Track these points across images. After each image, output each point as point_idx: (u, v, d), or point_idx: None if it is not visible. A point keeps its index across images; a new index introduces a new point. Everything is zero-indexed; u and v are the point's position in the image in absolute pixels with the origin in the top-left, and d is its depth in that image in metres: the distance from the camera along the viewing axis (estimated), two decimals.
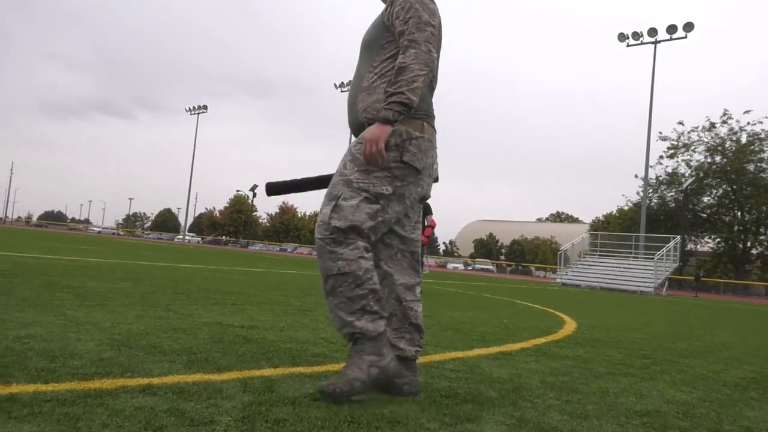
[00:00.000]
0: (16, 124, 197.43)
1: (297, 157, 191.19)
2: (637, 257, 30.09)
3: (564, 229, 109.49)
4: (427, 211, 9.32)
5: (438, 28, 2.10)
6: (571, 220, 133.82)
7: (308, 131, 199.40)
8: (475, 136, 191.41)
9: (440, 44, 2.18)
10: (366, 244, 1.99)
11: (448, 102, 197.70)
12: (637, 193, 45.72)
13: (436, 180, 2.24)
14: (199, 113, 59.14)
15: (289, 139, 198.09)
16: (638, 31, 32.39)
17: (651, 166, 33.83)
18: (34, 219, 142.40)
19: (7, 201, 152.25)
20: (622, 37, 32.84)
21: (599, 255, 31.32)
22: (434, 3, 2.14)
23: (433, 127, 2.15)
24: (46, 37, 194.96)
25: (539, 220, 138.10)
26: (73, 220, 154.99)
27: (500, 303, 8.47)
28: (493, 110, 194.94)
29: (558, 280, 29.39)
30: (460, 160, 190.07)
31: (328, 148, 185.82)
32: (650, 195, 45.02)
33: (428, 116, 2.12)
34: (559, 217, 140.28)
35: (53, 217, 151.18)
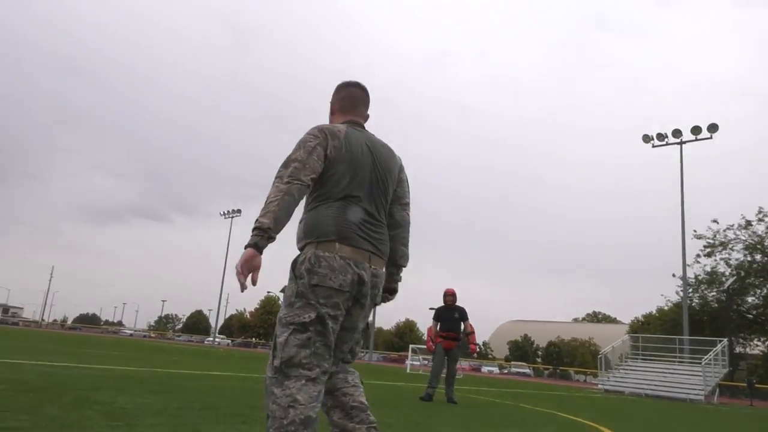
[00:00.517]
0: (58, 229, 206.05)
1: None
2: (682, 361, 28.59)
3: (602, 330, 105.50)
4: (464, 316, 9.13)
5: (311, 151, 2.18)
6: (609, 320, 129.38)
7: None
8: (504, 234, 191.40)
9: (343, 157, 2.24)
10: (309, 373, 2.05)
11: (473, 202, 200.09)
12: (677, 293, 44.24)
13: (390, 291, 2.49)
14: (233, 217, 60.84)
15: None
16: (663, 132, 32.82)
17: (689, 265, 32.89)
18: (69, 322, 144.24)
19: (44, 305, 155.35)
20: (646, 138, 33.25)
21: (642, 359, 29.87)
22: (326, 125, 2.30)
23: (355, 246, 2.17)
24: (91, 148, 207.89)
25: (575, 320, 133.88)
26: (106, 322, 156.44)
27: (541, 416, 8.00)
28: (521, 208, 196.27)
29: (600, 386, 27.92)
30: (490, 259, 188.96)
31: None
32: (690, 295, 43.50)
33: (343, 237, 2.17)
34: (596, 317, 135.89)
35: (88, 320, 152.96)
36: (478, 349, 8.80)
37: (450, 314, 9.10)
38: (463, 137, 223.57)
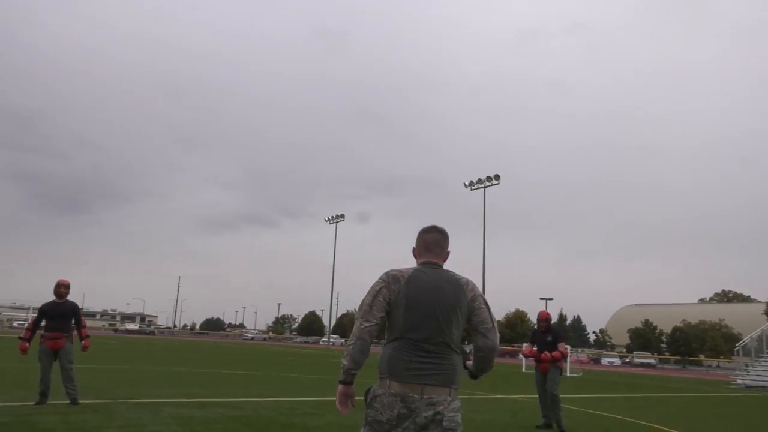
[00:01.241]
0: (180, 241, 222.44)
1: None
2: None
3: (734, 310, 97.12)
4: (557, 338, 8.62)
5: (376, 294, 2.64)
6: (742, 299, 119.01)
7: (438, 222, 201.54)
8: (614, 213, 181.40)
9: (400, 301, 2.63)
10: None
11: (577, 178, 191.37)
12: None
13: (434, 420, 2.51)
14: (337, 222, 62.42)
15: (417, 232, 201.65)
16: None
17: None
18: (197, 327, 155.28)
19: (175, 312, 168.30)
20: None
21: None
22: (393, 271, 2.72)
23: (403, 382, 2.51)
24: (202, 163, 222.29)
25: (702, 300, 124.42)
26: (230, 325, 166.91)
27: None
28: (631, 183, 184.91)
29: (739, 381, 25.63)
30: (600, 238, 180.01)
31: (458, 238, 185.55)
32: None
33: (392, 374, 2.54)
34: (726, 296, 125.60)
35: (213, 324, 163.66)
36: (548, 367, 8.52)
37: (543, 337, 8.69)
38: (559, 116, 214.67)
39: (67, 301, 8.38)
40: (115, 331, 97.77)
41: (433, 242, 2.82)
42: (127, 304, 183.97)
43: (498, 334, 2.69)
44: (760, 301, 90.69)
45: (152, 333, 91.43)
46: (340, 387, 2.67)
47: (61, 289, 8.34)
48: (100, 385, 10.81)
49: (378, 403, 2.55)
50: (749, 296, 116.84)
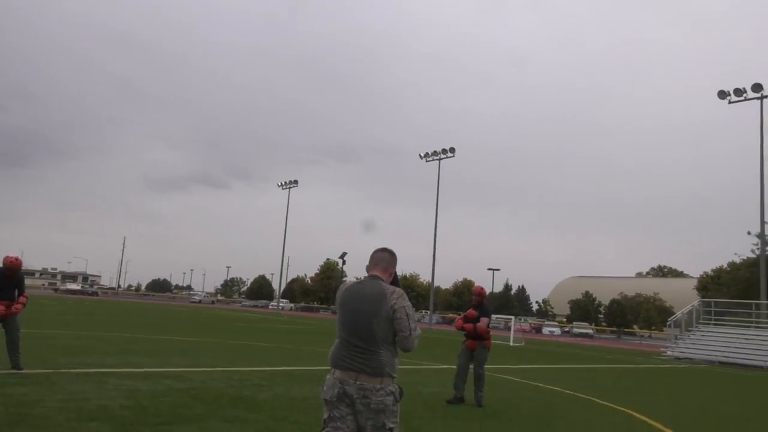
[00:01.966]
0: (126, 200, 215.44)
1: (382, 217, 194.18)
2: (759, 326, 27.33)
3: (668, 285, 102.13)
4: (484, 312, 8.42)
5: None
6: (676, 274, 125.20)
7: (391, 193, 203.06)
8: (563, 188, 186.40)
9: (337, 308, 3.32)
10: None
11: (527, 153, 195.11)
12: (752, 251, 42.09)
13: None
14: (290, 187, 61.69)
15: (373, 202, 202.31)
16: (741, 87, 30.59)
17: (766, 222, 31.03)
18: (143, 288, 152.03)
19: (120, 272, 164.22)
20: (722, 94, 31.09)
21: (715, 324, 28.74)
22: (342, 285, 3.43)
23: (342, 370, 3.11)
24: (150, 120, 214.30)
25: (639, 275, 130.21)
26: (177, 287, 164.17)
27: (616, 423, 7.73)
28: (580, 160, 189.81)
29: (669, 353, 27.12)
30: (549, 214, 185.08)
31: (408, 208, 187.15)
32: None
33: (334, 365, 3.16)
34: (661, 271, 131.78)
35: (159, 286, 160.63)
36: (490, 345, 8.60)
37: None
38: (518, 89, 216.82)
39: (16, 274, 8.30)
40: (56, 290, 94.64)
41: (378, 259, 3.39)
42: (69, 262, 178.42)
43: (415, 339, 3.21)
44: (692, 277, 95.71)
45: (95, 294, 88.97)
46: None
47: (12, 270, 8.20)
48: (41, 353, 10.46)
49: (325, 384, 3.16)
50: (683, 272, 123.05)
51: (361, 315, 3.18)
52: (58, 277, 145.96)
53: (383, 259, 3.39)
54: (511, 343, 29.26)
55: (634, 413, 8.62)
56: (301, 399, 7.55)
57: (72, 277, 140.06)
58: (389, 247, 3.45)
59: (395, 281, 3.40)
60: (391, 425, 3.09)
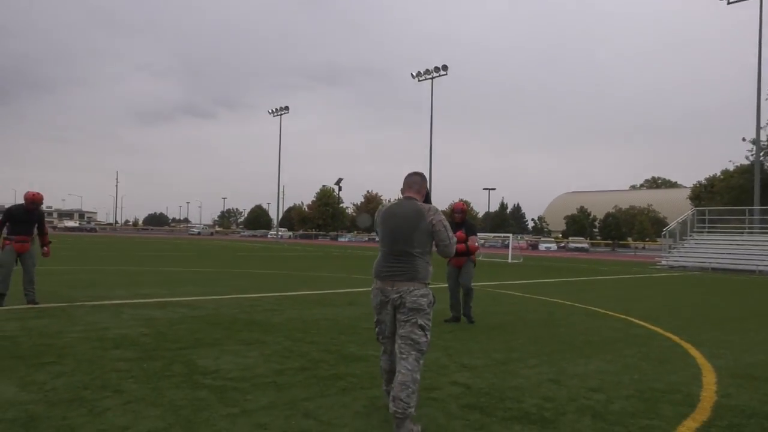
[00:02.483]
0: (114, 133, 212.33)
1: (374, 141, 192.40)
2: (752, 232, 27.87)
3: (662, 196, 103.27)
4: (471, 229, 8.36)
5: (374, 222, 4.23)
6: (669, 185, 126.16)
7: (383, 115, 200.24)
8: (554, 101, 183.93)
9: (377, 225, 3.93)
10: (381, 345, 3.92)
11: (524, 66, 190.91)
12: (746, 158, 42.22)
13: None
14: (282, 114, 60.68)
15: (365, 125, 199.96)
16: None
17: (761, 128, 30.97)
18: (140, 223, 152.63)
19: (115, 208, 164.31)
20: None
21: (708, 232, 29.28)
22: (381, 207, 4.02)
23: (381, 279, 3.74)
24: (130, 50, 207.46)
25: (633, 187, 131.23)
26: (174, 220, 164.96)
27: (617, 329, 8.04)
28: (572, 71, 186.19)
29: (663, 263, 27.80)
30: (538, 129, 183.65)
31: (404, 130, 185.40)
32: (762, 159, 41.41)
33: (376, 275, 3.79)
34: (655, 183, 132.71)
35: (156, 220, 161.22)
36: (464, 247, 8.06)
37: (457, 230, 8.18)
38: (506, 5, 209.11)
39: (37, 209, 8.55)
40: (53, 228, 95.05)
41: (412, 182, 3.92)
42: (63, 200, 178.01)
43: (452, 246, 3.78)
44: (685, 187, 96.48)
45: (94, 230, 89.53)
46: None
47: (34, 204, 8.39)
48: (52, 287, 10.65)
49: (371, 294, 3.83)
50: (676, 182, 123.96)
51: (401, 230, 3.71)
52: (54, 215, 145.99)
53: (416, 182, 3.92)
54: (510, 260, 29.87)
55: (633, 319, 8.94)
56: (313, 321, 7.78)
57: (68, 214, 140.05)
58: (419, 170, 3.98)
59: (427, 199, 3.89)
60: (422, 323, 3.61)
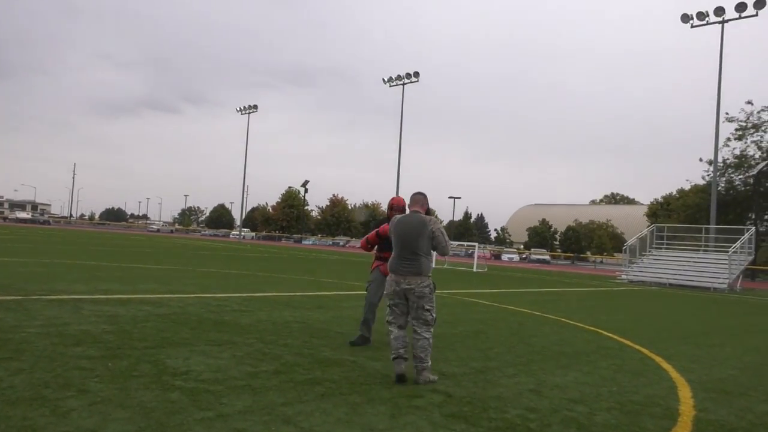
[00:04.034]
0: (72, 124, 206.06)
1: (340, 144, 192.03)
2: (707, 250, 28.74)
3: (620, 212, 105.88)
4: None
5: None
6: (627, 201, 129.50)
7: (349, 119, 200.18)
8: (519, 115, 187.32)
9: (391, 231, 5.12)
10: (393, 321, 5.03)
11: (488, 79, 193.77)
12: (703, 178, 43.68)
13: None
14: (249, 113, 59.91)
15: (332, 127, 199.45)
16: (704, 11, 30.61)
17: (719, 149, 32.03)
18: (97, 217, 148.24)
19: (71, 201, 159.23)
20: (685, 18, 31.07)
21: (666, 248, 30.07)
22: (395, 218, 5.26)
23: (396, 274, 4.94)
24: (93, 38, 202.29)
25: (593, 202, 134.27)
26: (132, 216, 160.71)
27: (588, 341, 8.08)
28: (536, 86, 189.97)
29: (623, 277, 28.41)
30: (504, 141, 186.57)
31: (370, 134, 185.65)
32: (717, 178, 42.90)
33: (391, 271, 4.98)
34: (614, 199, 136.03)
35: (113, 215, 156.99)
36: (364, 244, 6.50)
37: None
38: (477, 13, 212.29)
39: None
40: (4, 219, 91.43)
41: (416, 200, 5.19)
42: (15, 190, 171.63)
43: (448, 247, 5.08)
44: (642, 204, 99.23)
45: (47, 222, 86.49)
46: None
47: None
48: (5, 280, 10.12)
49: (387, 282, 5.05)
50: (634, 199, 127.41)
51: (410, 236, 4.90)
52: (6, 205, 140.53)
53: (419, 199, 5.18)
54: (475, 269, 30.05)
55: (603, 331, 9.01)
56: (284, 323, 7.57)
57: (20, 205, 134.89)
58: (422, 191, 5.23)
59: (428, 212, 5.16)
60: (428, 306, 4.86)
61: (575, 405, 4.53)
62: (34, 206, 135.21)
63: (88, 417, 3.42)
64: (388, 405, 4.16)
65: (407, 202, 5.74)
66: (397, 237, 4.93)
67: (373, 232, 6.33)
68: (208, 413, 3.65)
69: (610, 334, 8.70)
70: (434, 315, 4.89)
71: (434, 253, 5.44)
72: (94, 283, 10.66)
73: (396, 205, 6.29)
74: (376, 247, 6.49)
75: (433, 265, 4.90)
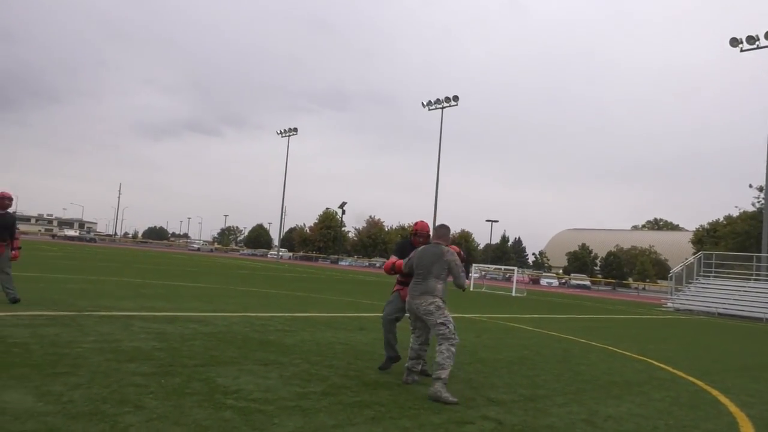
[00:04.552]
0: (118, 146, 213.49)
1: (376, 167, 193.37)
2: (759, 279, 27.63)
3: (664, 238, 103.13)
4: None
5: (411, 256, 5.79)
6: (671, 227, 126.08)
7: (386, 142, 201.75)
8: (558, 138, 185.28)
9: (413, 259, 5.65)
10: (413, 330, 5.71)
11: (527, 102, 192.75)
12: (753, 204, 42.17)
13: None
14: (290, 135, 60.99)
15: (367, 150, 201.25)
16: (754, 35, 29.89)
17: None
18: (140, 236, 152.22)
19: (116, 219, 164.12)
20: (734, 42, 30.41)
21: (714, 276, 29.05)
22: (419, 248, 5.78)
23: (411, 295, 5.46)
24: (139, 63, 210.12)
25: (635, 227, 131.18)
26: (173, 234, 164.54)
27: (638, 370, 7.83)
28: (577, 110, 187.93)
29: (669, 305, 27.51)
30: (542, 165, 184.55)
31: (407, 158, 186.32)
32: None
33: (409, 293, 5.52)
34: (657, 225, 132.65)
35: (156, 233, 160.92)
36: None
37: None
38: (517, 34, 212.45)
39: (8, 212, 8.68)
40: (53, 236, 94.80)
41: (440, 234, 5.61)
42: (64, 209, 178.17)
43: (463, 279, 5.51)
44: (687, 230, 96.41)
45: (93, 240, 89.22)
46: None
47: (6, 201, 8.61)
48: (57, 296, 10.44)
49: (406, 303, 5.53)
50: (678, 225, 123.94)
51: (427, 263, 5.39)
52: (55, 223, 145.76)
53: (443, 234, 5.60)
54: (513, 293, 29.60)
55: (652, 361, 8.72)
56: (328, 344, 7.57)
57: (68, 223, 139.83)
58: (445, 223, 5.73)
59: (455, 243, 5.75)
60: (441, 321, 5.19)
61: None
62: (81, 224, 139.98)
63: None
64: (438, 431, 4.10)
65: (431, 229, 6.05)
66: (418, 263, 5.41)
67: (399, 261, 5.99)
68: None
69: (661, 364, 8.41)
70: (451, 327, 5.17)
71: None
72: (141, 301, 10.90)
73: (420, 231, 6.15)
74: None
75: (443, 288, 5.32)
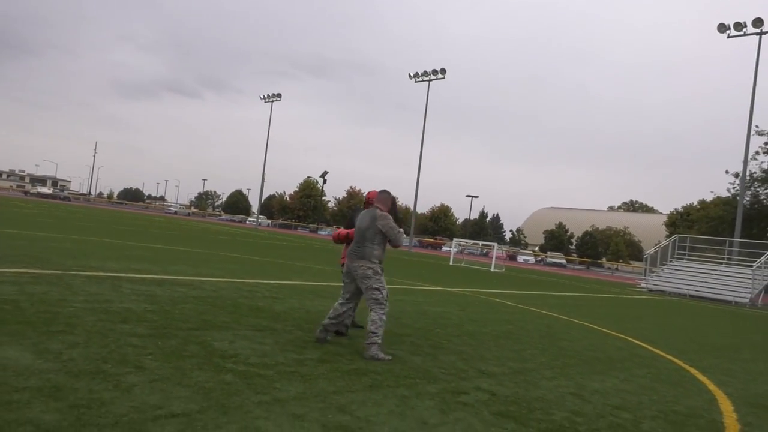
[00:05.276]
0: (94, 103, 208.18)
1: (358, 137, 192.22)
2: (730, 263, 28.38)
3: (638, 219, 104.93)
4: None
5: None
6: (646, 209, 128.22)
7: (369, 112, 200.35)
8: (540, 117, 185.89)
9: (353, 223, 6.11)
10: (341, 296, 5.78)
11: (511, 80, 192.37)
12: (728, 190, 43.02)
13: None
14: (273, 101, 60.10)
15: (350, 120, 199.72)
16: (742, 21, 30.11)
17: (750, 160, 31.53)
18: (115, 196, 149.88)
19: (91, 178, 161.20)
20: (722, 27, 30.60)
21: (687, 259, 29.75)
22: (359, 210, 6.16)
23: (349, 258, 5.58)
24: (118, 19, 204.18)
25: (611, 208, 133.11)
26: (150, 197, 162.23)
27: (620, 349, 8.05)
28: (559, 89, 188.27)
29: (643, 285, 28.16)
30: (523, 142, 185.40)
31: (390, 128, 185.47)
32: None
33: (347, 256, 5.66)
34: (632, 206, 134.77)
35: (132, 195, 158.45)
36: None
37: None
38: (498, 10, 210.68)
39: None
40: (26, 193, 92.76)
41: (380, 199, 5.69)
42: (37, 165, 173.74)
43: (400, 239, 5.56)
44: (661, 213, 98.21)
45: (67, 199, 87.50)
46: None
47: None
48: (41, 253, 10.30)
49: (344, 266, 5.67)
50: (653, 207, 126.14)
51: (363, 226, 5.50)
52: (27, 179, 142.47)
53: (381, 198, 5.68)
54: (492, 269, 30.00)
55: (631, 339, 8.97)
56: (317, 312, 7.63)
57: (41, 180, 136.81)
58: (386, 189, 5.72)
59: (393, 208, 5.64)
60: (376, 286, 5.33)
61: (619, 412, 4.52)
62: (55, 182, 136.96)
63: (151, 393, 3.49)
64: (435, 400, 4.19)
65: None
66: (356, 228, 5.60)
67: (346, 232, 6.25)
68: (265, 397, 3.71)
69: (640, 342, 8.66)
70: (384, 294, 5.36)
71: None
72: (126, 262, 10.81)
73: (371, 199, 6.19)
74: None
75: (378, 253, 5.39)
